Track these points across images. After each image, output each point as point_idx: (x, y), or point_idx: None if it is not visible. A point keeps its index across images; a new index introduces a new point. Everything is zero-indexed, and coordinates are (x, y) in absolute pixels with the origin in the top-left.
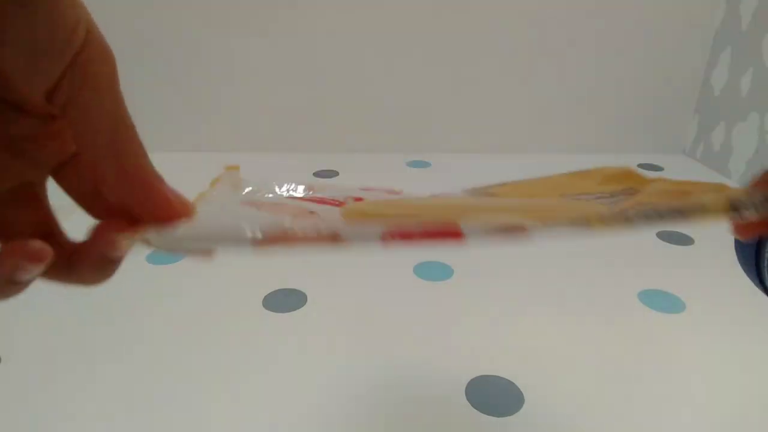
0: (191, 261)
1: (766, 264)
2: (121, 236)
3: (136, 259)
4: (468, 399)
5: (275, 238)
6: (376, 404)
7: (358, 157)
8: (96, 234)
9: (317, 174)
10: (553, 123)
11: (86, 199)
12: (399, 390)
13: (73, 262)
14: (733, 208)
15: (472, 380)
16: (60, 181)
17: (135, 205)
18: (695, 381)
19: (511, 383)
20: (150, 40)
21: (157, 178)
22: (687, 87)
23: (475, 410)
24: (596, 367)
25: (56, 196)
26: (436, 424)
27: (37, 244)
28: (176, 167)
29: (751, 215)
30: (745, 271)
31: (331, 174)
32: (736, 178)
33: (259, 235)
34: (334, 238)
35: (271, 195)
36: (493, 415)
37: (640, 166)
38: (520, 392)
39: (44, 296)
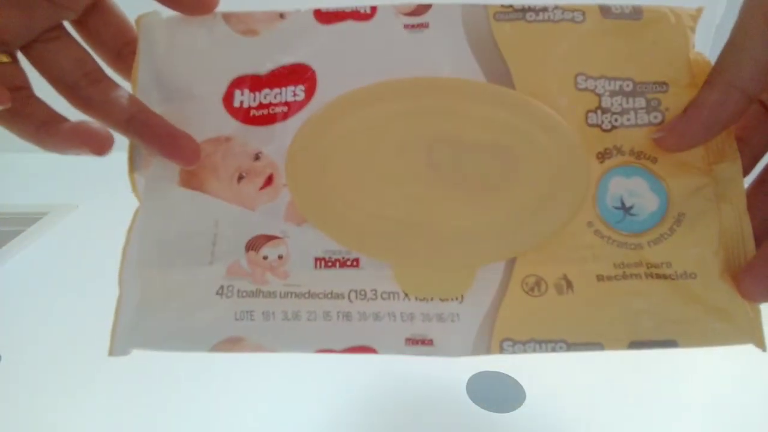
0: None
1: None
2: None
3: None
4: (469, 395)
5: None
6: (376, 398)
7: None
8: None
9: None
10: None
11: (109, 51)
12: (399, 383)
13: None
14: None
15: (473, 376)
16: (86, 32)
17: None
18: (708, 378)
19: (513, 379)
20: None
21: None
22: None
23: (476, 406)
24: (603, 362)
25: None
26: (436, 420)
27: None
28: None
29: None
30: None
31: None
32: None
33: None
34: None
35: None
36: (494, 411)
37: None
38: (522, 388)
39: (44, 296)
